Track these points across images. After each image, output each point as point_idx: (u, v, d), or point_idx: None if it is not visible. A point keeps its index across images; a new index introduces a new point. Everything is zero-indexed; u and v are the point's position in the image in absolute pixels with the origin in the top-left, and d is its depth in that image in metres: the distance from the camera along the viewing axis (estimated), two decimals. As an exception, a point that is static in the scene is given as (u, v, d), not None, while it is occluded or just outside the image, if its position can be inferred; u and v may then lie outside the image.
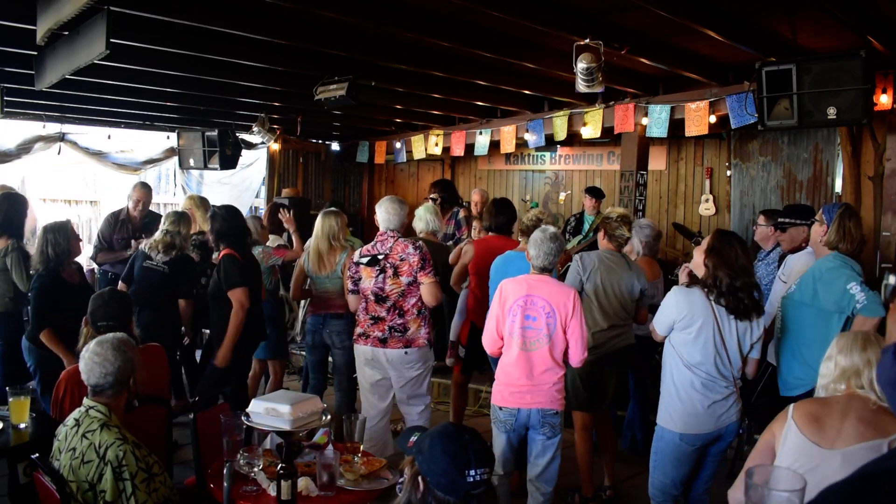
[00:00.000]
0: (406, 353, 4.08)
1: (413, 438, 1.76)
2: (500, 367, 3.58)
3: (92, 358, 2.59)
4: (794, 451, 2.06)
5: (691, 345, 3.13)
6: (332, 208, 5.04)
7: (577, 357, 3.50)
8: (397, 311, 4.07)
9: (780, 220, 4.43)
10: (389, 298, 4.07)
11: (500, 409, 3.52)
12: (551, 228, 3.65)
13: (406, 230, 4.50)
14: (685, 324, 3.13)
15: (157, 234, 5.17)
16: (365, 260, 4.14)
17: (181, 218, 5.22)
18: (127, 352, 2.64)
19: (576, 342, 3.46)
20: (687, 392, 3.16)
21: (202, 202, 6.17)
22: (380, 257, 4.10)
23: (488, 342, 3.61)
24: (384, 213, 4.18)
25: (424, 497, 1.68)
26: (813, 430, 2.05)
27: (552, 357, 3.46)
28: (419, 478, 1.70)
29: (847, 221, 3.38)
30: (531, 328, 3.45)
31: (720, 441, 3.25)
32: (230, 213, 4.46)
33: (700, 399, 3.14)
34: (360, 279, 4.17)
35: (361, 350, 4.20)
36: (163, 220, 5.31)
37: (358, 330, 4.21)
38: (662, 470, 3.31)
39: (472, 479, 1.65)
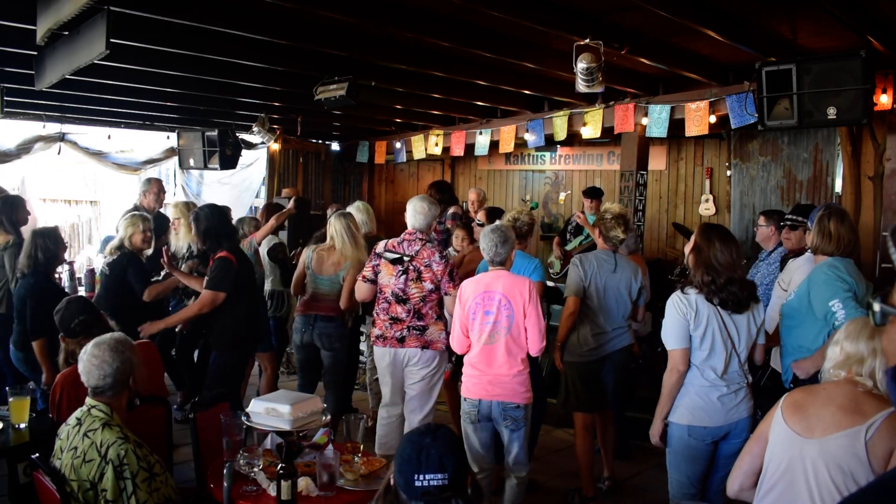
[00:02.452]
0: (423, 350, 4.06)
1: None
2: (466, 361, 3.67)
3: (90, 360, 2.59)
4: (777, 440, 2.12)
5: (698, 345, 3.11)
6: (345, 210, 5.02)
7: (535, 346, 3.54)
8: (416, 315, 4.04)
9: (789, 216, 4.39)
10: (410, 301, 4.03)
11: (465, 399, 3.62)
12: (498, 222, 3.75)
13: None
14: (695, 324, 3.09)
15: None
16: (391, 257, 4.07)
17: (121, 219, 5.16)
18: (125, 352, 2.64)
19: (533, 330, 3.50)
20: (695, 385, 3.14)
21: (186, 207, 5.88)
22: (406, 258, 4.04)
23: (455, 343, 3.70)
24: (413, 212, 4.08)
25: (392, 496, 1.68)
26: (795, 420, 2.10)
27: (512, 349, 3.51)
28: (391, 476, 1.71)
29: (826, 222, 3.30)
30: (490, 323, 3.52)
31: (730, 438, 3.20)
32: (212, 211, 4.41)
33: (708, 390, 3.12)
34: (379, 273, 4.11)
35: (380, 352, 4.14)
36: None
37: (375, 332, 4.16)
38: (677, 467, 3.28)
39: (420, 485, 1.62)
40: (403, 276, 4.03)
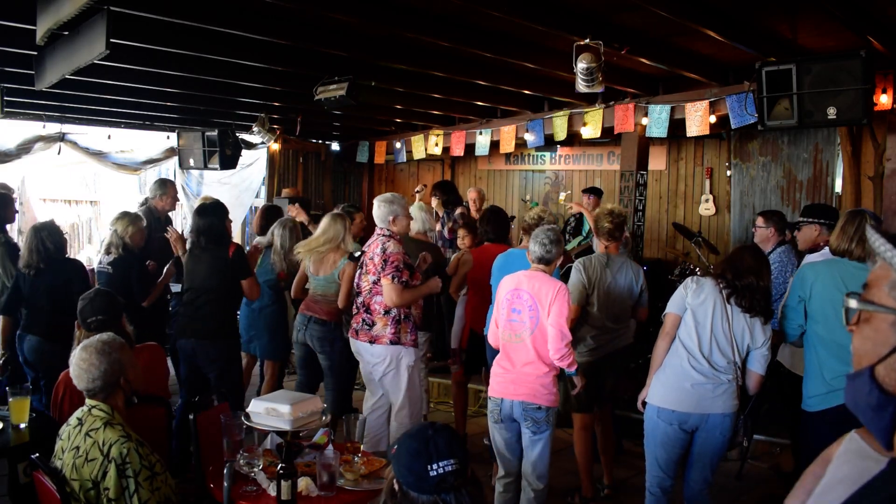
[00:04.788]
0: (371, 345, 4.16)
1: (395, 446, 1.74)
2: (494, 359, 3.68)
3: (78, 364, 2.57)
4: (846, 453, 2.03)
5: (691, 317, 3.21)
6: (339, 211, 5.03)
7: (554, 346, 3.43)
8: (366, 309, 4.18)
9: (798, 219, 4.45)
10: (361, 294, 4.21)
11: (490, 398, 3.64)
12: (548, 226, 3.74)
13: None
14: (695, 294, 3.23)
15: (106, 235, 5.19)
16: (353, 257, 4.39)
17: (120, 217, 5.13)
18: (112, 353, 2.60)
19: (554, 333, 3.43)
20: (673, 368, 3.25)
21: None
22: (357, 254, 4.30)
23: (491, 336, 3.73)
24: (374, 209, 4.29)
25: (401, 500, 1.66)
26: (871, 438, 2.04)
27: (536, 350, 3.49)
28: (395, 481, 1.68)
29: (848, 225, 3.24)
30: (515, 321, 3.53)
31: (702, 432, 3.25)
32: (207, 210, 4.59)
33: (684, 376, 3.20)
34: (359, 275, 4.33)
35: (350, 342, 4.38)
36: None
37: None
38: (649, 449, 3.38)
39: (435, 473, 1.62)
40: (360, 271, 4.26)
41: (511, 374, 3.53)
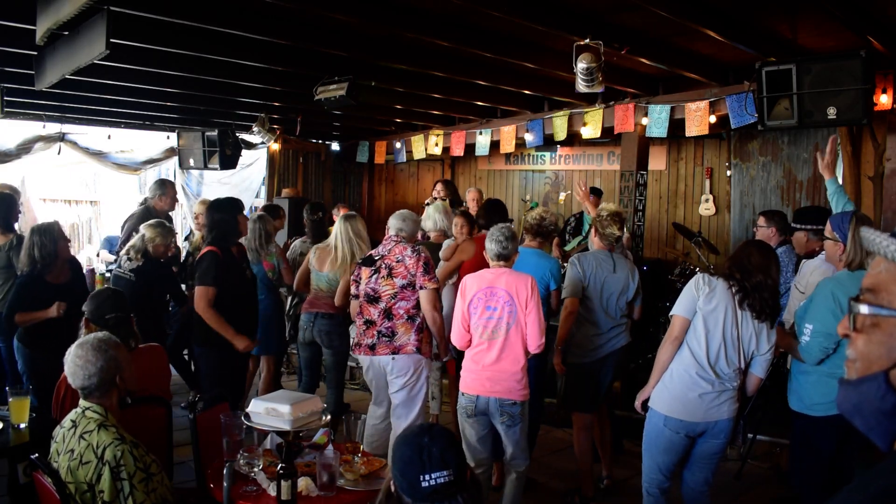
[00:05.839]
0: (393, 358, 4.02)
1: (395, 445, 1.76)
2: (465, 356, 3.68)
3: (74, 361, 2.56)
4: None
5: (701, 323, 3.13)
6: (353, 212, 5.03)
7: (534, 341, 3.54)
8: (386, 316, 4.03)
9: (792, 224, 4.41)
10: (381, 300, 4.04)
11: (462, 394, 3.63)
12: (501, 224, 3.80)
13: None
14: (707, 299, 3.13)
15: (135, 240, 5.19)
16: (361, 260, 4.22)
17: (153, 225, 5.17)
18: (108, 350, 2.59)
19: (533, 326, 3.51)
20: (681, 376, 3.19)
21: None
22: (376, 257, 4.10)
23: (456, 336, 3.69)
24: (397, 219, 4.20)
25: (395, 502, 1.67)
26: None
27: (514, 346, 3.52)
28: (391, 482, 1.69)
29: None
30: (492, 318, 3.54)
31: (707, 437, 3.23)
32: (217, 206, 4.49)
33: (691, 385, 3.16)
34: (360, 280, 4.17)
35: (360, 359, 4.22)
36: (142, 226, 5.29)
37: (353, 339, 4.24)
38: (649, 453, 3.35)
39: (427, 484, 1.62)
40: (375, 276, 4.07)
41: (487, 371, 3.54)
